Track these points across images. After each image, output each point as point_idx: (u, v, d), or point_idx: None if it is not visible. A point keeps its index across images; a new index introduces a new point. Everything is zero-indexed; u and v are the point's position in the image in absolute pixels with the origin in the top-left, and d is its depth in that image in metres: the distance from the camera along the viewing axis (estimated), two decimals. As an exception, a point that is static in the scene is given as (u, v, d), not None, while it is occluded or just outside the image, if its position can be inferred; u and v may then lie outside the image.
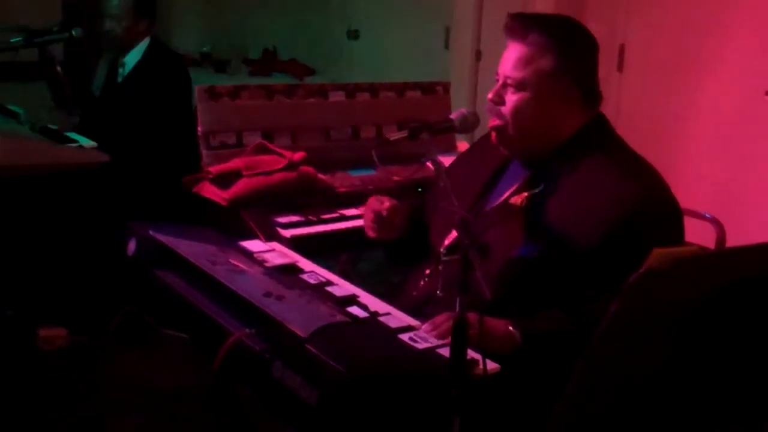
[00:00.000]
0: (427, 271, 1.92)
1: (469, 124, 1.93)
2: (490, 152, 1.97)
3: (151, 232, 2.04)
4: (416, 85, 2.94)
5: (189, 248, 1.94)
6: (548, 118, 1.85)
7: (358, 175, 2.71)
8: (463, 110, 1.95)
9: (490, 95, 1.89)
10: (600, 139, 1.86)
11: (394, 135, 1.90)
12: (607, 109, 3.88)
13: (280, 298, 1.73)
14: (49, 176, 3.21)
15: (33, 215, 3.29)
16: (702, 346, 1.31)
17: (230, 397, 1.83)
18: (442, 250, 1.73)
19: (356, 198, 2.59)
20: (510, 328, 1.69)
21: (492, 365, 1.59)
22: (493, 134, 1.90)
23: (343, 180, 2.67)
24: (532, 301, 1.75)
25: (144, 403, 2.91)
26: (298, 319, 1.61)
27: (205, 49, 5.51)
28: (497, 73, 1.87)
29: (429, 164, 1.75)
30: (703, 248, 1.31)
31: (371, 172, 2.72)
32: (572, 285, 1.73)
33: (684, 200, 3.44)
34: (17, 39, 3.44)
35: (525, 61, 1.82)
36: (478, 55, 4.23)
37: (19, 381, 3.01)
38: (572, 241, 1.73)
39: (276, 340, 1.59)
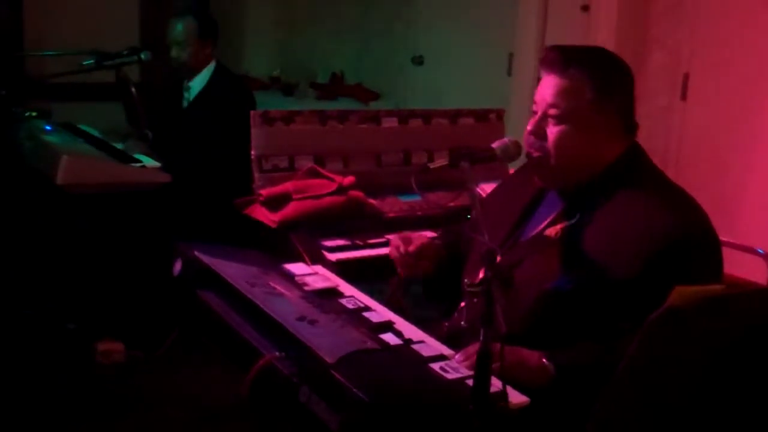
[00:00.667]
0: (462, 304, 1.92)
1: (511, 153, 1.93)
2: (526, 183, 1.97)
3: (196, 253, 2.08)
4: (470, 112, 2.95)
5: (230, 270, 1.98)
6: (589, 149, 1.85)
7: (407, 201, 2.72)
8: (506, 139, 1.94)
9: (530, 127, 1.89)
10: (636, 169, 1.86)
11: (435, 163, 1.91)
12: (671, 137, 3.88)
13: (312, 322, 1.75)
14: (112, 195, 3.32)
15: (96, 232, 3.40)
16: (730, 389, 1.28)
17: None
18: (465, 281, 1.73)
19: (405, 223, 2.61)
20: (544, 360, 1.69)
21: (520, 398, 1.58)
22: (532, 165, 1.90)
23: (393, 205, 2.69)
24: (566, 334, 1.74)
25: (191, 419, 2.98)
26: (327, 344, 1.63)
27: (274, 73, 5.62)
28: (535, 104, 1.87)
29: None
30: (730, 287, 1.28)
31: (418, 199, 2.73)
32: (607, 318, 1.71)
33: (744, 232, 3.40)
34: (89, 61, 3.58)
35: (566, 94, 1.82)
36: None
37: (75, 392, 3.11)
38: (608, 274, 1.71)
39: (304, 364, 1.60)
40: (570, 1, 4.12)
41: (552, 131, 1.85)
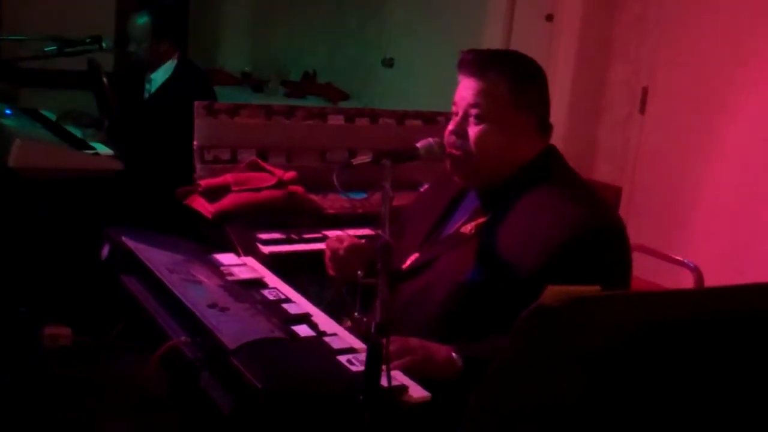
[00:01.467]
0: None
1: (435, 152, 1.97)
2: (448, 183, 2.01)
3: (123, 238, 2.11)
4: (417, 114, 2.98)
5: (153, 255, 2.01)
6: (508, 148, 1.89)
7: (350, 198, 2.75)
8: (430, 139, 1.98)
9: (451, 127, 1.92)
10: (550, 169, 1.91)
11: (358, 159, 1.94)
12: (628, 149, 3.92)
13: (223, 309, 1.77)
14: (67, 180, 3.34)
15: (49, 217, 3.41)
16: (603, 391, 1.30)
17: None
18: (359, 272, 1.76)
19: (344, 220, 2.64)
20: (452, 354, 1.72)
21: (421, 393, 1.61)
22: (450, 164, 1.93)
23: (334, 202, 2.71)
24: (478, 327, 1.78)
25: (133, 407, 2.99)
26: (232, 331, 1.65)
27: (246, 68, 5.64)
28: (455, 105, 1.92)
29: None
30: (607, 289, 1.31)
31: (364, 196, 2.75)
32: (517, 310, 1.74)
33: (694, 244, 3.44)
34: (52, 48, 3.59)
35: (485, 94, 1.87)
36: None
37: (21, 375, 3.12)
38: (517, 267, 1.76)
39: (208, 350, 1.63)
40: (535, 11, 4.17)
41: (473, 130, 1.89)
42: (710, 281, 2.48)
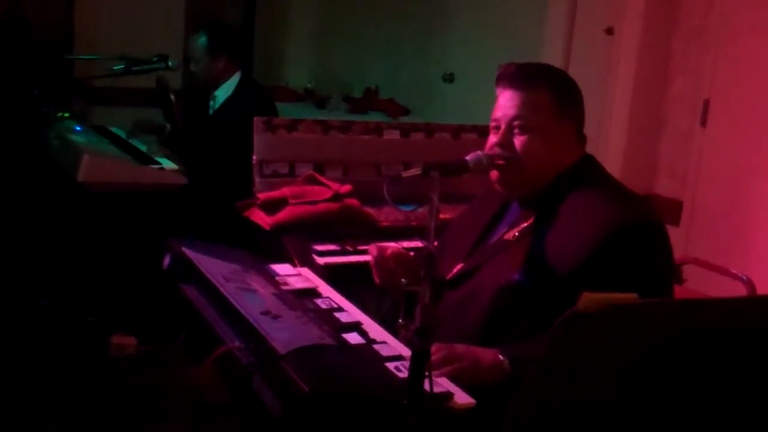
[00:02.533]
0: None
1: (483, 165, 2.00)
2: (491, 197, 2.07)
3: (183, 249, 2.19)
4: (473, 128, 3.01)
5: (211, 265, 2.08)
6: (552, 155, 1.95)
7: (405, 211, 2.79)
8: (479, 152, 2.02)
9: (495, 140, 1.97)
10: (590, 174, 1.96)
11: (408, 172, 1.98)
12: (689, 163, 3.88)
13: (276, 317, 1.83)
14: (134, 194, 3.46)
15: (116, 230, 3.54)
16: (638, 397, 1.32)
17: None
18: (402, 280, 1.80)
19: (398, 232, 2.68)
20: (499, 356, 1.75)
21: (466, 399, 1.64)
22: (498, 174, 1.97)
23: (388, 214, 2.76)
24: (523, 329, 1.81)
25: (192, 413, 3.07)
26: (284, 337, 1.71)
27: (309, 85, 5.74)
28: (495, 120, 1.96)
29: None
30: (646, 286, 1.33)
31: (414, 208, 2.79)
32: (560, 309, 1.77)
33: (759, 259, 3.39)
34: (119, 67, 3.74)
35: (529, 105, 1.93)
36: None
37: (88, 382, 3.24)
38: (561, 266, 1.80)
39: (260, 355, 1.69)
40: (595, 23, 4.16)
41: (519, 140, 1.95)
42: (767, 295, 2.45)
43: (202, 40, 3.79)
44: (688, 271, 3.62)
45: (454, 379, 1.70)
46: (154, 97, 4.83)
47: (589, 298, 1.24)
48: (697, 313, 1.30)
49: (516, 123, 1.93)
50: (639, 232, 1.80)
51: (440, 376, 1.69)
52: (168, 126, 3.93)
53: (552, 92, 1.93)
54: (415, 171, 1.97)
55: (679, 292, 2.65)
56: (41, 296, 3.58)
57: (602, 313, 1.23)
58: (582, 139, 2.00)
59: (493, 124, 1.99)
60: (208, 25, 3.99)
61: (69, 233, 3.60)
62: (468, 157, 2.00)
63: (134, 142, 3.83)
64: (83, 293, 3.58)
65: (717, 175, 3.80)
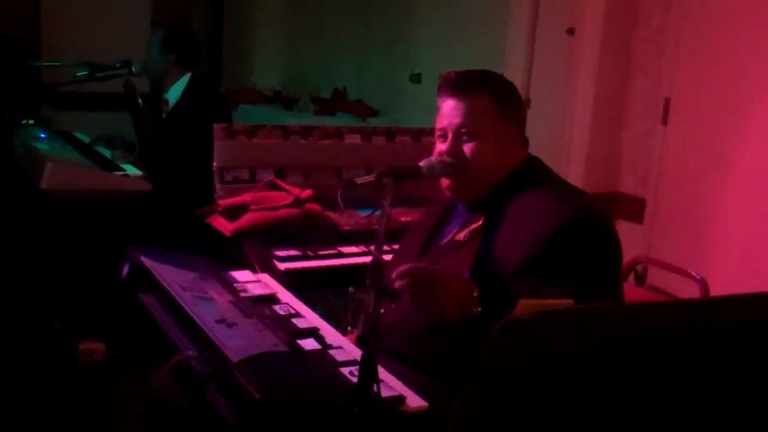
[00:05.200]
0: (382, 310, 2.01)
1: (436, 171, 2.04)
2: (437, 201, 2.14)
3: (141, 258, 2.20)
4: (433, 131, 3.03)
5: (168, 274, 2.10)
6: (499, 158, 2.00)
7: (366, 215, 2.81)
8: (433, 158, 2.05)
9: (444, 148, 2.00)
10: (536, 174, 2.01)
11: (362, 178, 2.01)
12: (651, 161, 3.94)
13: (231, 325, 1.85)
14: (99, 201, 3.47)
15: (82, 236, 3.54)
16: (581, 402, 1.35)
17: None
18: (350, 288, 1.83)
19: (359, 236, 2.70)
20: (472, 285, 1.74)
21: (418, 403, 1.68)
22: (448, 181, 2.00)
23: (350, 218, 2.78)
24: (476, 328, 1.83)
25: (159, 416, 3.08)
26: (237, 345, 1.73)
27: (277, 87, 5.76)
28: (441, 129, 2.00)
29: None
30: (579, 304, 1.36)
31: (369, 212, 2.82)
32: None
33: (717, 256, 3.45)
34: (83, 72, 3.74)
35: (474, 113, 1.98)
36: (528, 102, 4.30)
37: (56, 388, 3.24)
38: (508, 265, 1.83)
39: (213, 363, 1.71)
40: (556, 24, 4.20)
41: (468, 147, 1.99)
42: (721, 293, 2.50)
43: (159, 35, 3.83)
44: (651, 270, 3.68)
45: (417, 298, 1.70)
46: (121, 101, 4.83)
47: (524, 305, 1.27)
48: (632, 318, 1.33)
49: (463, 130, 1.98)
50: (584, 229, 1.84)
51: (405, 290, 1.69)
52: (136, 143, 3.94)
53: (493, 97, 1.98)
54: (369, 178, 2.00)
55: (637, 292, 2.70)
56: (7, 303, 3.58)
57: (537, 320, 1.26)
58: (525, 140, 2.05)
59: (438, 132, 2.03)
60: (170, 25, 4.01)
61: (34, 240, 3.59)
62: (421, 163, 2.04)
63: (99, 149, 3.83)
64: (50, 300, 3.58)
65: (678, 173, 3.86)
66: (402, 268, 1.70)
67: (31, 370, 3.31)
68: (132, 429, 3.04)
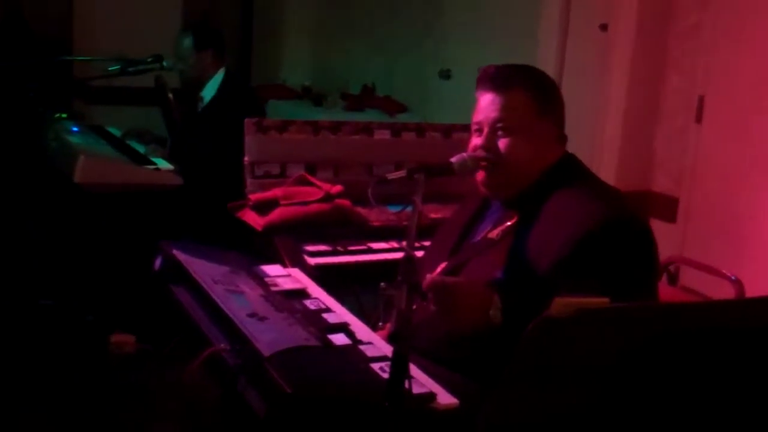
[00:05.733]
0: (414, 307, 2.00)
1: (468, 167, 2.02)
2: (472, 196, 2.10)
3: (174, 251, 2.21)
4: (464, 127, 3.01)
5: (200, 267, 2.11)
6: (535, 155, 1.98)
7: (396, 211, 2.80)
8: (464, 154, 2.04)
9: (480, 142, 1.99)
10: (572, 172, 1.98)
11: (393, 174, 2.01)
12: (685, 159, 3.89)
13: (262, 319, 1.86)
14: (131, 194, 3.49)
15: (114, 230, 3.57)
16: (616, 401, 1.34)
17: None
18: (381, 284, 1.82)
19: (389, 232, 2.70)
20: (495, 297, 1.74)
21: (449, 400, 1.67)
22: (483, 176, 1.99)
23: (380, 214, 2.78)
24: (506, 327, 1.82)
25: (183, 412, 3.10)
26: (269, 339, 1.73)
27: (306, 83, 5.76)
28: (477, 123, 1.98)
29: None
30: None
31: (409, 209, 2.81)
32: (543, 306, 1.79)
33: (754, 254, 3.40)
34: (115, 67, 3.76)
35: (510, 107, 1.96)
36: (559, 99, 4.27)
37: (88, 380, 3.28)
38: (540, 265, 1.81)
39: (245, 357, 1.72)
40: (589, 20, 4.17)
41: (503, 143, 1.97)
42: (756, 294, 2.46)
43: (187, 38, 3.83)
44: (684, 270, 3.64)
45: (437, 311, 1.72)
46: (152, 96, 4.86)
47: (559, 304, 1.26)
48: (669, 317, 1.32)
49: (499, 125, 1.95)
50: (619, 230, 1.82)
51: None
52: (168, 138, 3.96)
53: (532, 94, 1.95)
54: (400, 173, 1.99)
55: (669, 292, 2.67)
56: (41, 295, 3.62)
57: (573, 319, 1.24)
58: (562, 138, 2.02)
59: (474, 126, 2.01)
60: (191, 24, 4.03)
61: (67, 233, 3.63)
62: (453, 159, 2.02)
63: (132, 143, 3.86)
64: (82, 292, 3.61)
65: (712, 172, 3.81)
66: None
67: (64, 362, 3.35)
68: (162, 422, 3.07)
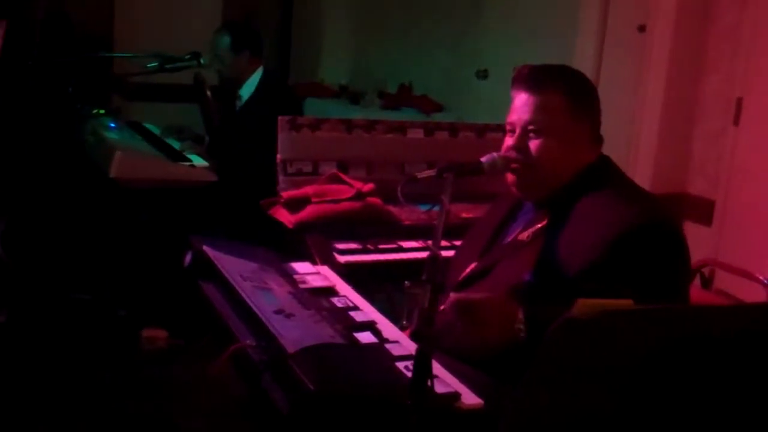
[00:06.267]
0: (442, 307, 2.00)
1: (498, 167, 2.02)
2: (505, 196, 2.07)
3: (204, 247, 2.23)
4: (498, 127, 3.01)
5: (229, 263, 2.12)
6: (567, 157, 1.96)
7: (427, 210, 2.80)
8: (494, 154, 2.03)
9: (512, 143, 1.97)
10: (605, 175, 1.96)
11: (423, 173, 2.01)
12: (722, 162, 3.84)
13: (289, 316, 1.86)
14: (167, 190, 3.53)
15: (149, 226, 3.61)
16: (639, 405, 1.33)
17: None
18: (406, 282, 1.82)
19: (420, 231, 2.69)
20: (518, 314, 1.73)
21: (474, 400, 1.66)
22: (513, 177, 1.98)
23: (411, 213, 2.78)
24: None
25: (220, 405, 3.12)
26: (294, 336, 1.74)
27: (343, 81, 5.78)
28: (510, 124, 1.97)
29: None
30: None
31: (429, 208, 2.80)
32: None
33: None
34: (154, 64, 3.81)
35: (544, 109, 1.94)
36: (596, 97, 4.24)
37: (119, 374, 3.32)
38: (570, 268, 1.80)
39: (270, 353, 1.72)
40: (627, 21, 4.13)
41: (534, 144, 1.95)
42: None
43: (225, 38, 3.85)
44: (718, 274, 3.59)
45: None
46: (190, 93, 4.91)
47: (582, 305, 1.25)
48: (693, 320, 1.31)
49: (531, 127, 1.94)
50: (650, 234, 1.80)
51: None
52: (207, 138, 3.99)
53: (566, 95, 1.93)
54: (429, 172, 1.99)
55: (702, 295, 2.63)
56: (76, 290, 3.67)
57: (596, 320, 1.24)
58: (598, 140, 2.00)
59: (508, 126, 2.00)
60: (228, 25, 4.05)
61: (102, 228, 3.67)
62: (483, 159, 2.02)
63: (169, 141, 3.89)
64: (116, 287, 3.66)
65: (750, 175, 3.75)
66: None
67: (96, 356, 3.39)
68: (191, 417, 3.09)
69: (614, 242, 1.77)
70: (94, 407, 3.12)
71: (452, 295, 1.77)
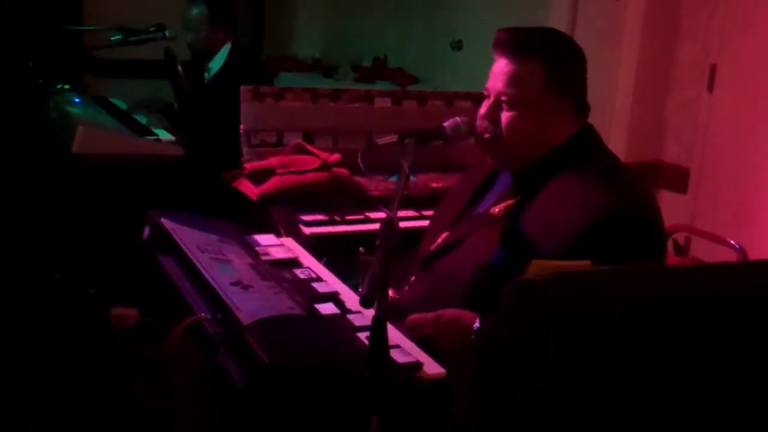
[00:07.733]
0: (413, 278, 1.96)
1: (462, 133, 1.97)
2: (483, 163, 2.01)
3: (162, 220, 2.17)
4: (467, 95, 2.96)
5: (187, 236, 2.06)
6: (540, 131, 1.88)
7: (395, 180, 2.75)
8: (458, 119, 1.98)
9: (482, 111, 1.92)
10: (585, 150, 1.87)
11: (383, 139, 1.95)
12: (697, 129, 3.81)
13: (246, 288, 1.81)
14: (130, 165, 3.45)
15: (116, 202, 3.54)
16: (601, 370, 1.28)
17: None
18: (360, 249, 1.77)
19: (388, 202, 2.63)
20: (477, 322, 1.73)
21: (436, 369, 1.62)
22: (480, 147, 1.92)
23: (379, 184, 2.72)
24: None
25: (190, 384, 3.08)
26: (250, 308, 1.68)
27: (317, 55, 5.70)
28: (486, 89, 1.90)
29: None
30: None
31: (412, 178, 2.75)
32: None
33: (759, 225, 3.32)
34: (117, 37, 3.72)
35: (517, 80, 1.85)
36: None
37: (87, 354, 3.26)
38: (541, 249, 1.73)
39: (226, 326, 1.67)
40: (601, -11, 4.08)
41: (504, 116, 1.88)
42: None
43: (202, 9, 3.75)
44: (695, 241, 3.57)
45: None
46: (161, 68, 4.82)
47: (537, 266, 1.21)
48: (653, 282, 1.26)
49: (503, 98, 1.86)
50: (620, 226, 1.73)
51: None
52: (175, 105, 3.91)
53: (546, 67, 1.82)
54: (390, 138, 1.94)
55: (675, 261, 2.60)
56: (47, 268, 3.60)
57: (551, 282, 1.19)
58: (582, 110, 1.90)
59: (485, 91, 1.93)
60: None
61: (67, 205, 3.60)
62: (446, 124, 1.97)
63: (138, 117, 3.81)
64: (85, 265, 3.59)
65: (724, 142, 3.73)
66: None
67: (65, 335, 3.34)
68: (164, 394, 3.05)
69: (583, 232, 1.71)
70: (64, 387, 3.07)
71: (410, 317, 1.77)
